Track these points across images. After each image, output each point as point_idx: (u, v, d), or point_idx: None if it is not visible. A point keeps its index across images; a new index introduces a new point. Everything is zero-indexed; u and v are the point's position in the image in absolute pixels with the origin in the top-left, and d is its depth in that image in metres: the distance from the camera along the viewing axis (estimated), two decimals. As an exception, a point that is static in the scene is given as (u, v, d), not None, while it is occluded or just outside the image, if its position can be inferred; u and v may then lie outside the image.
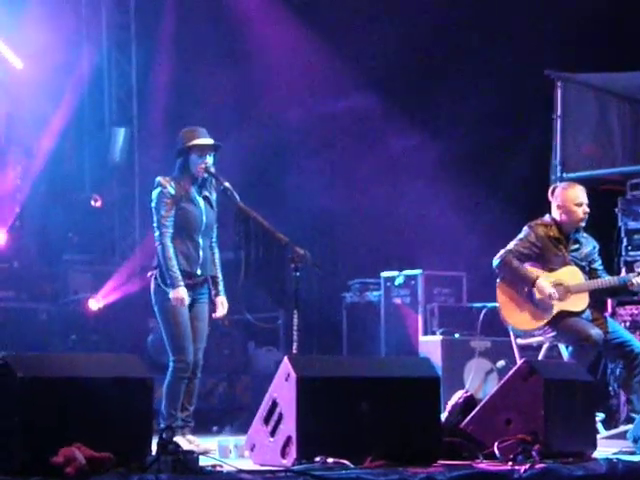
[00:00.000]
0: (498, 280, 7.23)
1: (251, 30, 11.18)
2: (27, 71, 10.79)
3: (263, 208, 6.65)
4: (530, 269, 7.11)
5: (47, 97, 11.04)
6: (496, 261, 7.17)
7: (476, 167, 10.62)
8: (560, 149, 9.28)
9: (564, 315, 7.04)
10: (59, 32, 10.70)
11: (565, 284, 7.06)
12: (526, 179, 10.17)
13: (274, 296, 6.55)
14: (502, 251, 7.19)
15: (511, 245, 7.19)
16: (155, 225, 6.42)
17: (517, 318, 7.15)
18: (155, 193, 6.44)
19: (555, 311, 7.04)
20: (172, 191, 6.39)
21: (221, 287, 6.57)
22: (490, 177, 10.58)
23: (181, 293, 6.28)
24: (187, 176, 6.46)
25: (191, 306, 6.43)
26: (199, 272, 6.43)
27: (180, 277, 6.30)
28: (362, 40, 11.04)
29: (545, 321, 7.08)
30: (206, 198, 6.52)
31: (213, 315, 6.57)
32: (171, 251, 6.32)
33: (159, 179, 6.44)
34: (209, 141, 6.49)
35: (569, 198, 7.20)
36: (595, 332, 6.93)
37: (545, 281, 7.04)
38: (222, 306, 6.55)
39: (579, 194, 7.22)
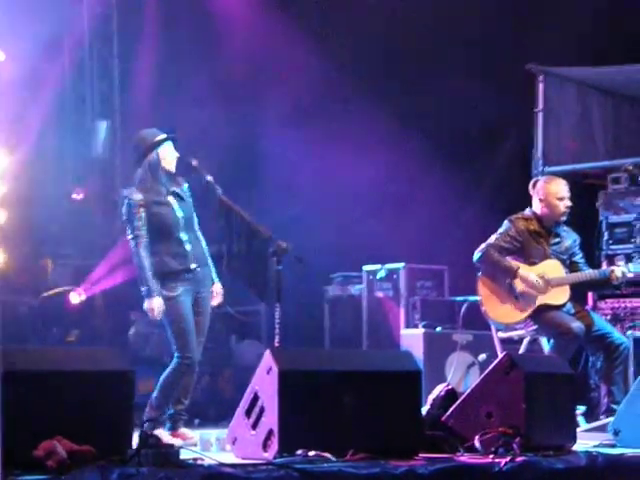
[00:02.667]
0: (479, 274, 7.26)
1: (234, 22, 11.15)
2: (8, 63, 10.73)
3: (244, 201, 6.65)
4: (511, 261, 7.13)
5: (28, 89, 10.99)
6: (477, 255, 7.19)
7: (458, 161, 10.64)
8: (542, 143, 9.31)
9: (545, 308, 7.07)
10: (40, 24, 10.63)
11: (546, 277, 7.09)
12: (508, 173, 10.20)
13: (256, 289, 6.52)
14: (483, 245, 7.21)
15: (492, 239, 7.21)
16: (130, 237, 6.38)
17: (498, 312, 7.17)
18: (124, 207, 6.40)
19: (536, 304, 7.07)
20: (139, 197, 6.34)
21: (214, 273, 6.54)
22: (472, 171, 10.60)
23: (154, 304, 6.26)
24: (157, 175, 6.41)
25: (194, 301, 6.41)
26: (193, 266, 6.40)
27: (154, 287, 6.26)
28: (345, 31, 11.04)
29: (526, 314, 7.11)
30: (175, 193, 6.46)
31: (213, 303, 6.56)
32: (146, 261, 6.29)
33: (124, 192, 6.42)
34: (170, 134, 6.47)
35: (551, 192, 7.23)
36: (576, 325, 6.96)
37: (527, 271, 7.07)
38: (218, 294, 6.54)
39: (561, 188, 7.24)
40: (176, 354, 6.36)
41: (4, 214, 10.52)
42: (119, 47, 11.98)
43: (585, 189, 8.83)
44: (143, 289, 6.30)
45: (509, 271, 7.09)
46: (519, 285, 7.10)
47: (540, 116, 9.33)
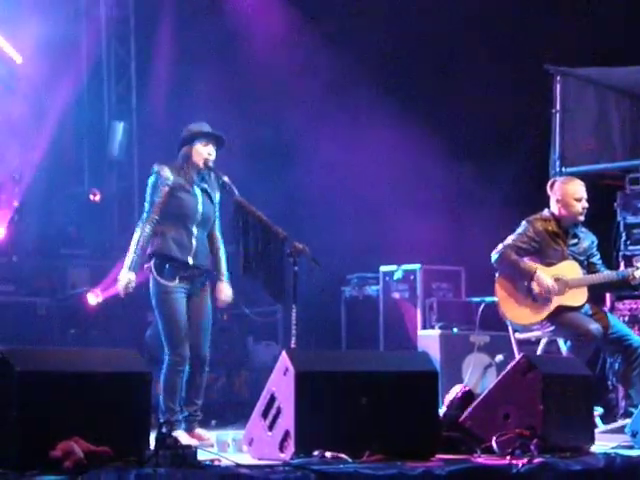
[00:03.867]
0: (497, 275, 7.23)
1: (251, 24, 11.17)
2: (26, 65, 10.78)
3: (262, 202, 6.65)
4: (529, 263, 7.11)
5: (46, 91, 11.04)
6: (494, 256, 7.17)
7: (475, 161, 10.62)
8: (559, 144, 9.27)
9: (563, 310, 7.04)
10: (58, 25, 10.68)
11: (564, 278, 7.06)
12: (525, 174, 10.17)
13: (272, 290, 6.52)
14: (500, 246, 7.19)
15: (509, 240, 7.19)
16: (145, 208, 6.43)
17: (516, 313, 7.15)
18: (151, 179, 6.45)
19: (554, 306, 7.04)
20: (169, 177, 6.38)
21: (226, 276, 6.55)
22: (489, 171, 10.58)
23: (126, 276, 6.30)
24: (189, 165, 6.46)
25: (190, 298, 6.42)
26: (191, 261, 6.40)
27: (135, 263, 6.31)
28: (362, 35, 11.04)
29: (544, 316, 7.07)
30: (205, 191, 6.51)
31: (218, 302, 6.55)
32: (143, 237, 6.32)
33: (156, 167, 6.44)
34: (213, 131, 6.50)
35: (568, 192, 7.20)
36: (594, 327, 6.93)
37: (544, 273, 7.04)
38: (222, 292, 6.54)
39: (578, 189, 7.21)
40: (166, 351, 6.36)
41: (21, 215, 10.57)
42: (136, 48, 12.02)
43: (603, 190, 8.78)
44: (126, 260, 6.33)
45: (527, 273, 7.06)
46: (536, 287, 7.07)
47: (557, 116, 9.29)
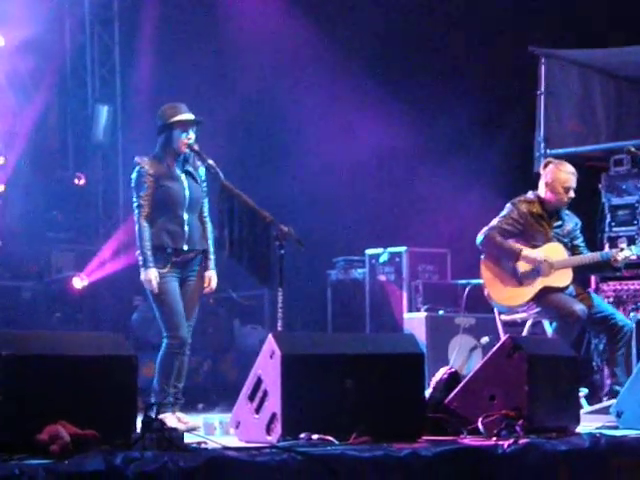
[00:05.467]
0: (482, 257, 7.25)
1: (234, 8, 11.12)
2: (8, 48, 10.71)
3: (247, 186, 6.64)
4: (514, 244, 7.13)
5: (29, 74, 10.98)
6: (479, 238, 7.19)
7: (460, 144, 10.63)
8: (544, 125, 9.29)
9: (548, 291, 7.07)
10: (41, 8, 10.62)
11: (549, 260, 7.09)
12: (510, 155, 10.19)
13: (258, 274, 6.52)
14: (485, 228, 7.21)
15: (494, 222, 7.21)
16: (134, 205, 6.41)
17: (501, 294, 7.17)
18: (133, 173, 6.43)
19: (539, 287, 7.07)
20: (150, 170, 6.37)
21: (212, 261, 6.54)
22: (474, 153, 10.59)
23: (150, 275, 6.27)
24: (169, 153, 6.44)
25: (182, 284, 6.42)
26: (185, 247, 6.41)
27: (151, 258, 6.28)
28: (346, 20, 11.02)
29: (529, 297, 7.11)
30: (189, 173, 6.49)
31: (205, 289, 6.55)
32: (146, 232, 6.31)
33: (137, 159, 6.43)
34: (191, 116, 6.46)
35: (559, 179, 7.20)
36: (579, 307, 6.97)
37: (531, 251, 7.07)
38: (211, 281, 6.54)
39: (569, 177, 7.21)
40: (164, 334, 6.37)
41: (6, 200, 10.54)
42: (120, 32, 11.96)
43: (587, 171, 8.80)
44: (140, 259, 6.31)
45: (512, 253, 7.08)
46: (522, 267, 7.10)
47: (542, 98, 9.31)
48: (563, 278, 7.10)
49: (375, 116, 10.60)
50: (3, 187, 10.56)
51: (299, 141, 10.91)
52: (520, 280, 7.11)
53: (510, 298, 7.17)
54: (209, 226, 6.59)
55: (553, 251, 7.14)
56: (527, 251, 7.08)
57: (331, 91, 10.87)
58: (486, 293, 7.27)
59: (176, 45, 11.30)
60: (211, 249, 6.56)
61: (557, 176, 7.20)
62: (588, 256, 7.21)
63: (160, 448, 4.34)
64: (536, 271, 7.09)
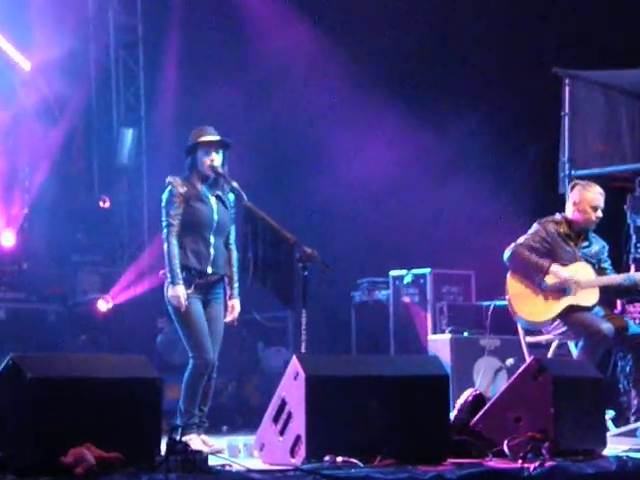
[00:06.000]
0: (509, 273, 7.21)
1: (259, 31, 11.18)
2: (35, 73, 10.81)
3: (271, 207, 6.65)
4: (542, 259, 7.09)
5: (54, 98, 11.07)
6: (507, 253, 7.16)
7: (484, 165, 10.62)
8: (569, 146, 9.27)
9: (574, 309, 7.03)
10: (66, 33, 10.71)
11: (576, 279, 7.06)
12: (535, 177, 10.16)
13: (282, 296, 6.51)
14: (512, 244, 7.19)
15: (521, 239, 7.19)
16: (163, 224, 6.43)
17: (527, 310, 7.13)
18: (165, 193, 6.44)
19: (565, 304, 7.03)
20: (181, 190, 6.39)
21: (236, 289, 6.54)
22: (498, 175, 10.57)
23: (178, 291, 6.27)
24: (196, 174, 6.46)
25: (205, 306, 6.42)
26: (210, 270, 6.41)
27: (180, 276, 6.29)
28: (371, 40, 11.04)
29: (555, 314, 7.06)
30: (219, 197, 6.50)
31: (227, 319, 6.53)
32: (175, 249, 6.32)
33: (169, 179, 6.45)
34: (215, 138, 6.48)
35: (587, 199, 7.19)
36: (606, 326, 6.93)
37: (560, 267, 7.04)
38: (233, 310, 6.53)
39: (597, 197, 7.20)
40: (190, 355, 6.36)
41: (31, 222, 10.60)
42: (144, 56, 12.04)
43: (613, 192, 8.77)
44: (168, 277, 6.32)
45: (540, 268, 7.04)
46: (550, 282, 7.05)
47: (567, 119, 9.29)
48: (589, 297, 7.07)
49: (399, 135, 10.61)
50: (27, 210, 10.62)
51: (323, 162, 10.93)
52: (546, 296, 7.08)
53: (535, 314, 7.12)
54: (234, 253, 6.59)
55: (581, 270, 7.12)
56: (556, 267, 7.05)
57: (354, 108, 10.89)
58: (511, 309, 7.21)
59: (200, 68, 11.36)
60: (235, 277, 6.56)
61: (585, 196, 7.19)
62: (614, 277, 7.18)
63: (184, 470, 4.34)
64: (563, 288, 7.05)
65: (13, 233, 10.43)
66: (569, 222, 7.23)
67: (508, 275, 7.21)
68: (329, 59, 10.88)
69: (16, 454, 4.27)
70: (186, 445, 4.56)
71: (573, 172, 9.10)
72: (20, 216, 10.54)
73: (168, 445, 4.52)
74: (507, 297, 7.21)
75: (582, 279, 7.06)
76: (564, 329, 7.11)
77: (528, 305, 7.10)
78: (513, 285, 7.17)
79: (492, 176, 10.54)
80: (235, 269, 6.56)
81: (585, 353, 6.89)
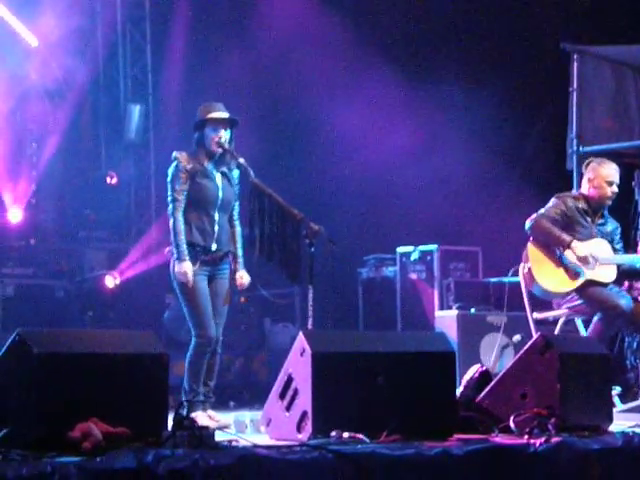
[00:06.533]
0: (530, 241, 7.21)
1: (266, 7, 11.13)
2: (42, 48, 10.79)
3: (278, 184, 6.65)
4: (564, 233, 7.10)
5: (62, 74, 11.05)
6: (529, 223, 7.17)
7: (492, 141, 10.59)
8: (576, 122, 9.23)
9: (592, 284, 7.05)
10: (73, 9, 10.68)
11: (594, 255, 7.07)
12: (543, 153, 10.14)
13: (289, 272, 6.51)
14: (534, 215, 7.20)
15: (542, 210, 7.20)
16: (169, 199, 6.42)
17: (547, 279, 7.12)
18: (171, 168, 6.44)
19: (584, 279, 7.04)
20: (187, 165, 6.39)
21: (241, 264, 6.56)
22: (506, 151, 10.55)
23: (184, 267, 6.28)
24: (203, 151, 6.45)
25: (210, 282, 6.43)
26: (214, 247, 6.43)
27: (186, 252, 6.30)
28: (378, 16, 11.00)
29: (573, 287, 7.07)
30: (224, 174, 6.50)
31: (238, 285, 6.53)
32: (181, 225, 6.33)
33: (175, 154, 6.45)
34: (224, 115, 6.47)
35: (602, 174, 7.22)
36: (623, 301, 6.95)
37: (580, 244, 7.04)
38: (242, 279, 6.56)
39: (612, 172, 7.24)
40: (193, 332, 6.38)
41: (39, 199, 10.61)
42: (151, 31, 12.01)
43: (620, 169, 8.75)
44: (175, 253, 6.33)
45: (562, 242, 7.06)
46: (570, 257, 7.06)
47: (574, 95, 9.25)
48: (608, 274, 7.09)
49: (405, 111, 10.58)
50: (35, 186, 10.63)
51: (331, 139, 10.91)
52: (566, 268, 7.08)
53: (554, 284, 7.12)
54: (238, 229, 6.60)
55: (599, 246, 7.14)
56: (577, 243, 7.06)
57: (361, 89, 10.86)
58: (530, 276, 7.16)
59: (208, 43, 11.33)
60: (240, 252, 6.57)
61: (599, 172, 7.22)
62: (632, 257, 7.22)
63: (191, 446, 4.35)
64: (582, 263, 7.05)
65: (21, 209, 10.44)
66: (586, 198, 7.25)
67: (529, 243, 7.21)
68: (336, 36, 10.84)
69: (23, 429, 4.28)
70: (193, 421, 4.57)
71: (581, 149, 9.08)
72: (28, 192, 10.55)
73: (175, 420, 4.53)
74: (527, 265, 7.20)
75: (600, 255, 7.09)
76: (578, 302, 7.12)
77: (548, 274, 7.10)
78: (534, 253, 7.17)
79: (500, 152, 10.51)
80: (239, 245, 6.58)
81: (601, 326, 6.92)
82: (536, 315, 7.32)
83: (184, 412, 4.63)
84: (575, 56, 9.25)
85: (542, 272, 7.13)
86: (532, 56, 10.13)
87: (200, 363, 6.36)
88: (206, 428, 4.60)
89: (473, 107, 10.51)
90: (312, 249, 6.25)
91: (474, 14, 10.72)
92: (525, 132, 10.58)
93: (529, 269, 7.18)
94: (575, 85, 9.25)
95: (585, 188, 7.28)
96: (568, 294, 7.12)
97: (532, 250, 7.18)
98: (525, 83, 10.35)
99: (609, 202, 7.25)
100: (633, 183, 8.64)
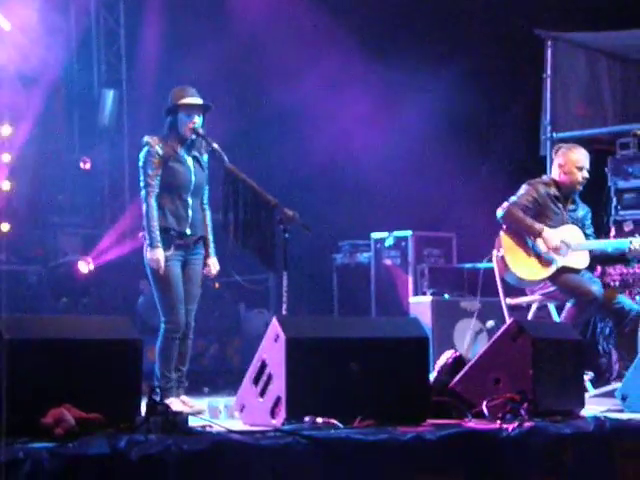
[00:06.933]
0: (502, 230, 7.23)
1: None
2: (15, 32, 10.70)
3: (252, 169, 6.64)
4: (535, 222, 7.12)
5: (35, 58, 10.97)
6: (500, 212, 7.19)
7: (466, 127, 10.61)
8: (550, 109, 9.27)
9: (565, 271, 7.08)
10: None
11: (566, 241, 7.10)
12: (516, 139, 10.16)
13: (263, 258, 6.51)
14: (505, 203, 7.21)
15: (514, 198, 7.22)
16: (142, 184, 6.41)
17: (520, 267, 7.15)
18: (142, 152, 6.42)
19: (556, 266, 7.07)
20: (160, 150, 6.37)
21: (212, 248, 6.58)
22: (480, 137, 10.57)
23: (157, 254, 6.27)
24: (175, 135, 6.43)
25: (183, 267, 6.43)
26: (189, 232, 6.43)
27: (159, 238, 6.29)
28: (350, 1, 10.98)
29: (546, 275, 7.10)
30: (195, 158, 6.50)
31: (206, 272, 6.56)
32: (154, 211, 6.32)
33: (146, 138, 6.42)
34: (198, 100, 6.45)
35: (571, 160, 7.24)
36: (595, 288, 6.99)
37: (551, 232, 7.07)
38: (213, 266, 6.57)
39: (581, 158, 7.26)
40: (161, 318, 6.37)
41: (11, 184, 10.54)
42: (125, 16, 11.94)
43: (594, 155, 8.79)
44: (147, 239, 6.31)
45: (534, 230, 7.08)
46: (541, 245, 7.09)
47: (548, 82, 9.28)
48: (580, 260, 7.12)
49: (379, 96, 10.57)
50: (8, 171, 10.56)
51: (305, 124, 10.89)
52: (539, 257, 7.11)
53: (528, 272, 7.14)
54: (208, 214, 6.62)
55: (571, 233, 7.17)
56: (548, 231, 7.08)
57: (332, 69, 10.83)
58: (503, 264, 7.19)
59: (182, 28, 11.28)
60: (210, 237, 6.57)
61: (569, 157, 7.24)
62: (605, 241, 7.25)
63: (164, 431, 4.35)
64: (554, 251, 7.08)
65: (-6, 194, 10.38)
66: (557, 184, 7.26)
67: (501, 232, 7.23)
68: (310, 20, 10.81)
69: (-5, 415, 4.27)
70: (166, 406, 4.56)
71: (554, 135, 9.11)
72: (1, 177, 10.48)
73: (148, 406, 4.52)
74: (499, 254, 7.22)
75: (572, 242, 7.12)
76: (552, 289, 7.16)
77: (521, 262, 7.13)
78: (507, 241, 7.19)
79: (473, 138, 10.54)
80: (209, 229, 6.58)
81: (575, 312, 6.95)
82: (509, 301, 7.35)
83: (157, 398, 4.62)
84: (549, 42, 9.27)
85: (515, 260, 7.15)
86: (506, 42, 10.14)
87: (170, 349, 6.35)
88: (179, 414, 4.59)
89: (447, 94, 10.51)
90: (286, 235, 6.25)
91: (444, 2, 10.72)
92: (499, 118, 10.59)
93: (502, 257, 7.20)
94: (549, 71, 9.28)
95: (556, 174, 7.29)
96: (542, 281, 7.15)
97: (505, 239, 7.20)
98: (498, 69, 10.36)
99: (580, 187, 7.27)
100: (606, 169, 8.68)
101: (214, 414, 5.82)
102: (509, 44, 10.02)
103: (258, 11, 10.80)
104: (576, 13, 9.76)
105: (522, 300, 7.35)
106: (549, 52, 9.26)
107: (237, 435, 4.38)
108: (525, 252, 7.15)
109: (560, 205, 7.24)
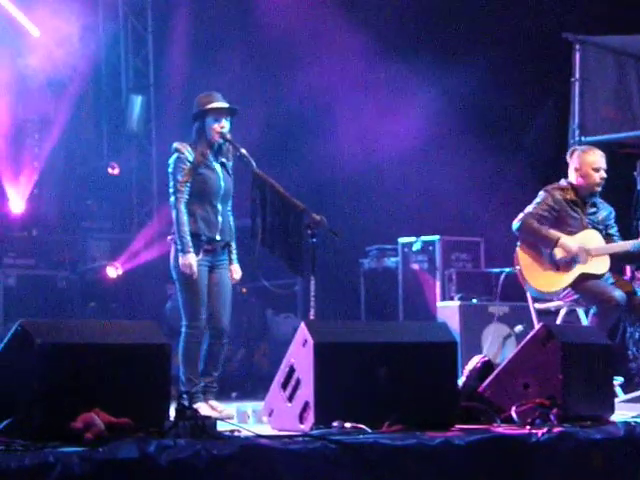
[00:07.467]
0: (518, 243, 7.21)
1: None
2: (43, 39, 10.78)
3: (280, 174, 6.64)
4: (551, 230, 7.08)
5: (63, 65, 11.04)
6: (516, 224, 7.15)
7: (494, 132, 10.58)
8: (578, 112, 9.23)
9: (585, 278, 7.03)
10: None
11: (586, 247, 7.04)
12: (545, 143, 10.12)
13: (291, 263, 6.52)
14: (521, 214, 7.17)
15: (529, 208, 7.17)
16: (171, 190, 6.42)
17: (539, 280, 7.12)
18: (172, 159, 6.43)
19: (576, 274, 7.02)
20: (189, 157, 6.39)
21: (234, 254, 6.59)
22: (508, 142, 10.53)
23: (189, 259, 6.29)
24: (204, 141, 6.45)
25: (211, 272, 6.45)
26: (218, 237, 6.46)
27: (190, 243, 6.31)
28: (377, 5, 10.98)
29: (567, 283, 7.06)
30: (223, 164, 6.52)
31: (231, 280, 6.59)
32: (184, 217, 6.34)
33: (176, 145, 6.44)
34: (224, 105, 6.47)
35: (587, 162, 7.17)
36: (618, 293, 6.93)
37: (568, 239, 7.02)
38: (236, 273, 6.59)
39: (597, 159, 7.18)
40: (183, 322, 6.39)
41: (41, 189, 10.61)
42: (153, 22, 12.00)
43: (622, 159, 8.74)
44: (178, 245, 6.33)
45: (550, 241, 7.04)
46: (560, 254, 7.05)
47: (577, 85, 9.24)
48: (600, 265, 7.06)
49: (407, 102, 10.56)
50: (37, 177, 10.63)
51: (332, 129, 10.90)
52: (557, 266, 7.07)
53: (547, 284, 7.11)
54: (232, 219, 6.63)
55: (590, 238, 7.10)
56: (564, 239, 7.04)
57: (365, 77, 10.84)
58: (522, 279, 7.20)
59: (209, 34, 11.32)
60: (234, 243, 6.59)
61: (585, 160, 7.18)
62: (623, 244, 7.16)
63: (193, 436, 4.36)
64: (573, 258, 7.04)
65: (23, 200, 10.45)
66: (575, 188, 7.21)
67: (518, 245, 7.20)
68: (335, 24, 10.82)
69: (25, 419, 4.29)
70: (195, 411, 4.57)
71: (583, 138, 9.07)
72: (30, 183, 10.56)
73: (177, 411, 4.54)
74: (517, 268, 7.20)
75: (591, 247, 7.06)
76: (575, 297, 7.11)
77: (539, 275, 7.09)
78: (523, 256, 7.16)
79: (502, 142, 10.50)
80: (234, 236, 6.60)
81: (598, 320, 6.90)
82: (538, 305, 7.32)
83: (186, 402, 4.63)
84: (577, 46, 9.24)
85: (533, 275, 7.12)
86: (534, 46, 10.11)
87: (194, 353, 6.36)
88: (208, 418, 4.60)
89: (476, 98, 10.49)
90: (314, 240, 6.25)
91: (474, 4, 10.69)
92: (527, 122, 10.56)
93: (520, 271, 7.18)
94: (577, 75, 9.24)
95: (572, 178, 7.23)
96: (564, 290, 7.10)
97: (520, 254, 7.16)
98: (528, 74, 10.33)
99: (598, 189, 7.20)
100: (635, 173, 8.62)
101: (242, 419, 5.83)
102: (538, 48, 9.98)
103: (285, 17, 10.81)
104: (604, 16, 9.72)
105: (551, 305, 7.31)
106: (577, 56, 9.23)
107: (265, 440, 4.38)
108: (541, 265, 7.10)
109: (579, 210, 7.18)
